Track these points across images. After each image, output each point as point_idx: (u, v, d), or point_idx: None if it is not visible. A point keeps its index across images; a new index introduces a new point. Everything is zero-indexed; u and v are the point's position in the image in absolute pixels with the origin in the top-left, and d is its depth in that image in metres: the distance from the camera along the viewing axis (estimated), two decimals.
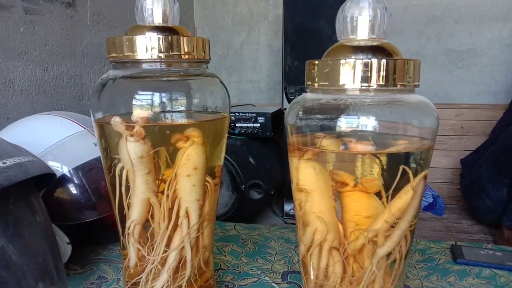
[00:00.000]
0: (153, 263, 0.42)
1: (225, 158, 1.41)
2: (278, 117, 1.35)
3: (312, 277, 0.38)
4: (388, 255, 0.34)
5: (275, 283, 0.56)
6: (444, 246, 0.67)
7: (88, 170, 0.59)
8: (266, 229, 0.76)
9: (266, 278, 0.57)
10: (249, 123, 1.32)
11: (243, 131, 1.33)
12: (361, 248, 0.35)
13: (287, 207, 1.41)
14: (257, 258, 0.64)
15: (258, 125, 1.32)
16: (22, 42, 0.81)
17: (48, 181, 0.53)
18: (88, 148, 0.60)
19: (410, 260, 0.63)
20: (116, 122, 0.38)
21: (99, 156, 0.61)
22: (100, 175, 0.60)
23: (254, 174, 1.24)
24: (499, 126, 1.44)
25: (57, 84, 0.91)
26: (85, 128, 0.62)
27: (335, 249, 0.36)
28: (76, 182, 0.58)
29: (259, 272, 0.59)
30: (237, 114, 1.33)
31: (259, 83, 1.78)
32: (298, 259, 0.63)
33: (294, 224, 0.40)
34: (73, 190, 0.58)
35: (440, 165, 1.62)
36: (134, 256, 0.44)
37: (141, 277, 0.43)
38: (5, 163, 0.39)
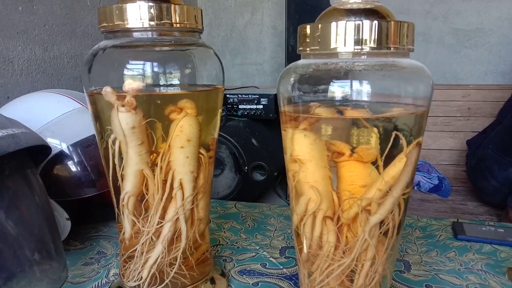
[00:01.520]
0: (147, 235, 0.42)
1: (227, 139, 1.40)
2: None
3: (305, 247, 0.37)
4: (381, 223, 0.34)
5: (272, 258, 0.56)
6: (445, 223, 0.67)
7: (86, 146, 0.59)
8: (267, 207, 0.76)
9: (264, 253, 0.57)
10: (252, 104, 1.31)
11: (246, 113, 1.33)
12: (355, 217, 0.35)
13: None
14: (256, 234, 0.64)
15: (261, 106, 1.31)
16: (21, 21, 0.81)
17: (44, 155, 0.53)
18: (86, 125, 0.60)
19: (410, 237, 0.62)
20: (107, 92, 0.38)
21: None
22: (98, 151, 0.60)
23: (257, 155, 1.24)
24: (506, 107, 1.42)
25: (58, 64, 0.90)
26: (82, 105, 0.62)
27: (329, 219, 0.36)
28: (74, 158, 0.58)
29: (257, 247, 0.59)
30: (240, 95, 1.32)
31: (263, 65, 1.77)
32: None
33: None
34: (72, 166, 0.58)
35: (446, 146, 1.60)
36: (129, 228, 0.44)
37: (136, 249, 0.43)
38: None
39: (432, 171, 1.52)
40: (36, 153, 0.51)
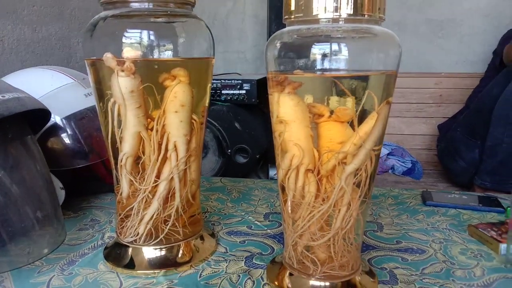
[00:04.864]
0: (144, 193, 0.46)
1: (211, 123, 1.42)
2: (263, 84, 1.38)
3: (289, 198, 0.42)
4: (355, 174, 0.39)
5: (257, 221, 0.60)
6: (415, 193, 0.72)
7: (80, 119, 0.62)
8: (251, 181, 0.80)
9: (249, 217, 0.62)
10: (235, 89, 1.35)
11: (229, 98, 1.36)
12: (333, 169, 0.39)
13: (272, 172, 1.45)
14: (242, 203, 0.68)
15: (244, 91, 1.35)
16: (10, 0, 0.82)
17: (41, 125, 0.56)
18: (79, 98, 0.63)
19: (383, 204, 0.68)
20: (108, 57, 0.41)
21: (91, 106, 0.64)
22: (91, 124, 0.63)
23: (240, 139, 1.27)
24: (475, 93, 1.50)
25: (46, 45, 0.92)
26: (75, 80, 0.65)
27: (310, 171, 0.40)
28: (68, 130, 0.61)
29: (243, 213, 0.63)
30: (223, 81, 1.35)
31: (245, 53, 1.80)
32: (279, 204, 0.67)
33: None
34: (65, 137, 0.61)
35: (419, 132, 1.68)
36: (127, 187, 0.47)
37: (133, 206, 0.47)
38: (4, 96, 0.42)
39: (405, 155, 1.59)
40: (34, 122, 0.53)
